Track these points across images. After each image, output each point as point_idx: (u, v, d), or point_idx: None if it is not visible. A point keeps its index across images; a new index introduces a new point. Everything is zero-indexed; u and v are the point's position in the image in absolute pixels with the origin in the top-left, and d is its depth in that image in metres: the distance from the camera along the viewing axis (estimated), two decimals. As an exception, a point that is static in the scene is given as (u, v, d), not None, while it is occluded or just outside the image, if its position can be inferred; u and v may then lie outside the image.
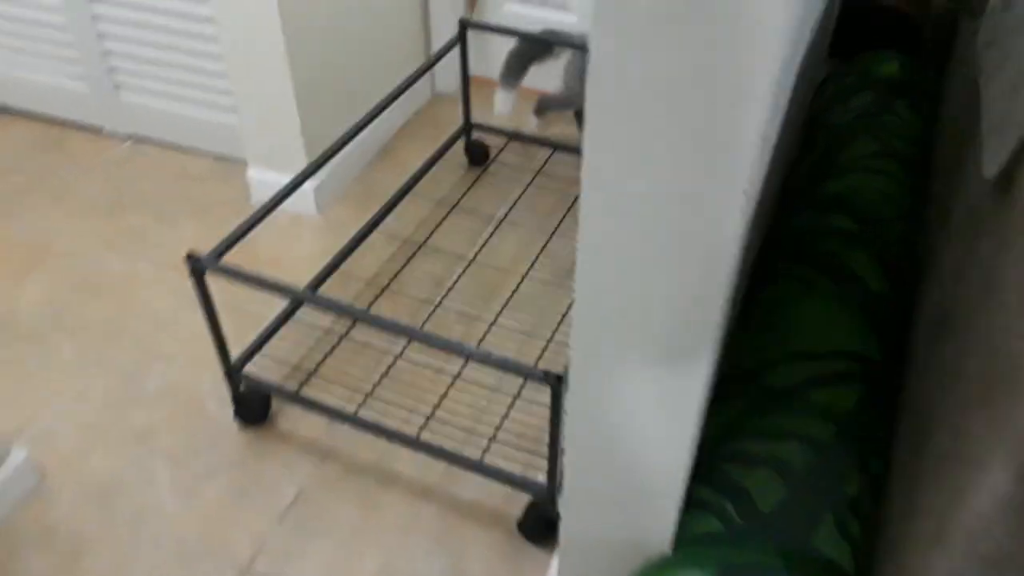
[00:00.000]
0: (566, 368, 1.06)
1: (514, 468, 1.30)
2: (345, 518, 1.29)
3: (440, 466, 1.34)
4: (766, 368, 1.16)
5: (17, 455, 1.29)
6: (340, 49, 1.82)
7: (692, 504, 1.00)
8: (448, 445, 1.34)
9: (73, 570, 1.22)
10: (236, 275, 1.24)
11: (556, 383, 1.00)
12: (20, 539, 1.26)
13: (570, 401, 0.89)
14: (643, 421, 0.85)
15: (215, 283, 1.27)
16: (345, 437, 1.40)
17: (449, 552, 1.24)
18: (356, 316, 1.38)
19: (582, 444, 0.93)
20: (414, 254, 1.72)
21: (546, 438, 1.22)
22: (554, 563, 1.14)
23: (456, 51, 1.77)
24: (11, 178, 1.97)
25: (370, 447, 1.38)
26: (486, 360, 1.07)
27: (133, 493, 1.32)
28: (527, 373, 1.04)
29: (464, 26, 1.77)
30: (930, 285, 1.14)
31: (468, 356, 1.10)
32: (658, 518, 0.94)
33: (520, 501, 1.27)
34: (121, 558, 1.24)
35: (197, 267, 1.22)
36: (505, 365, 1.04)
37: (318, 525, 1.28)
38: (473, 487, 1.31)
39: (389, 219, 1.72)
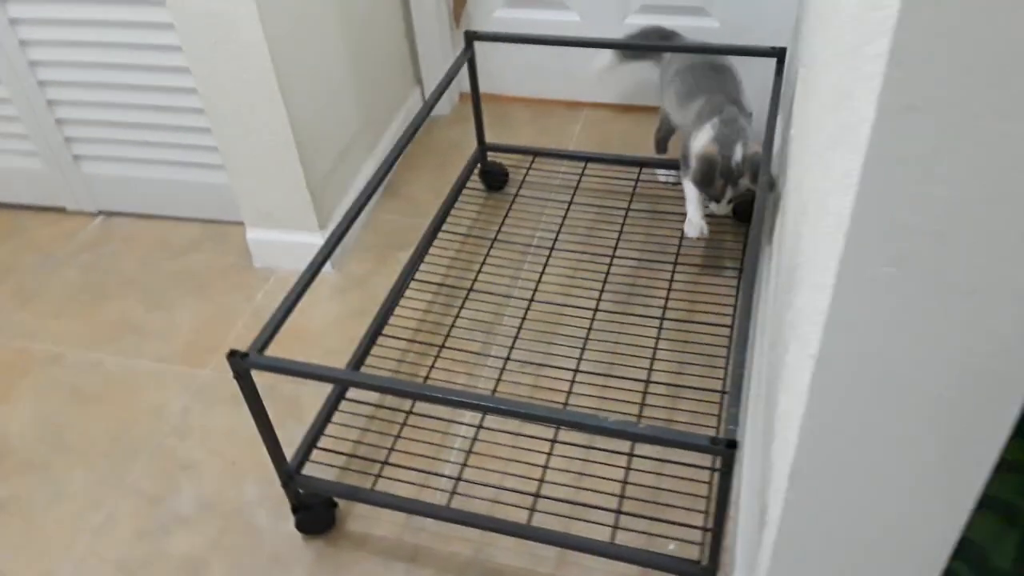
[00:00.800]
0: (729, 431, 0.88)
1: (642, 542, 1.12)
2: (454, 632, 1.09)
3: (551, 552, 1.15)
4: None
5: (48, 625, 1.06)
6: (331, 85, 1.61)
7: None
8: (557, 526, 1.15)
9: None
10: (287, 369, 1.03)
11: (728, 451, 0.82)
12: None
13: (794, 481, 0.71)
14: (897, 508, 0.67)
15: (213, 354, 1.05)
16: (431, 531, 1.20)
17: (588, 655, 1.05)
18: (421, 396, 1.18)
19: (803, 528, 0.74)
20: (456, 302, 1.52)
21: (672, 500, 1.04)
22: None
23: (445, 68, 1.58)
24: (-30, 278, 1.72)
25: (462, 539, 1.18)
26: (637, 435, 0.88)
27: (194, 643, 1.10)
28: (691, 444, 0.85)
29: (470, 38, 1.58)
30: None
31: (625, 434, 0.90)
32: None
33: (658, 580, 1.08)
34: None
35: (242, 366, 1.00)
36: (664, 438, 0.85)
37: (425, 647, 1.08)
38: (599, 574, 1.12)
39: (417, 265, 1.52)
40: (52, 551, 1.22)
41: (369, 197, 1.28)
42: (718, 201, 1.41)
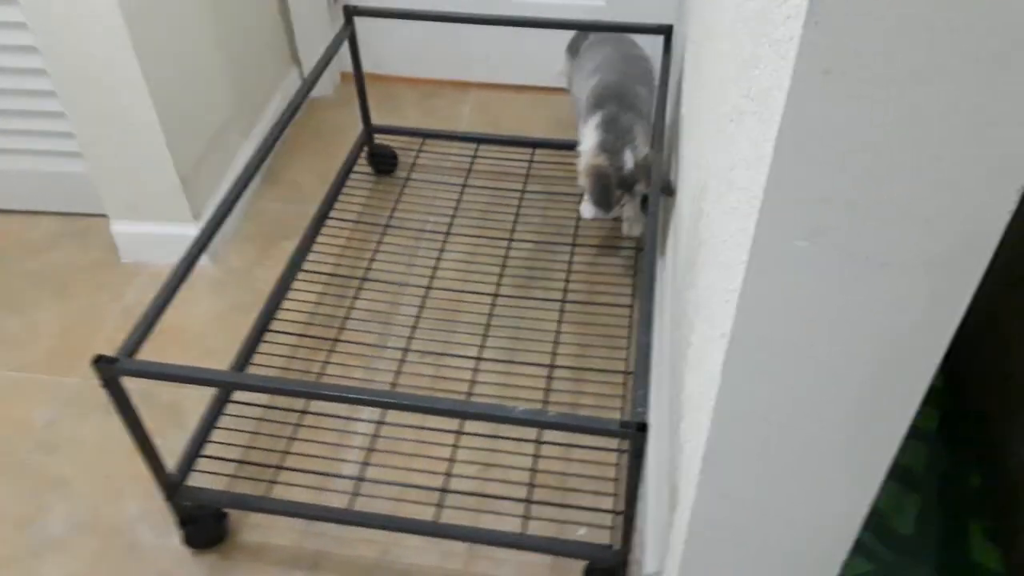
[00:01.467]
0: (638, 415, 0.86)
1: (553, 530, 1.10)
2: (362, 639, 1.03)
3: (460, 547, 1.11)
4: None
5: None
6: (198, 62, 1.50)
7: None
8: (466, 520, 1.11)
9: None
10: (163, 374, 0.94)
11: (639, 435, 0.80)
12: None
13: (708, 461, 0.69)
14: (813, 481, 0.67)
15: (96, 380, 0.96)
16: (332, 535, 1.13)
17: (503, 650, 1.02)
18: (318, 395, 1.11)
19: (717, 507, 0.73)
20: (348, 292, 1.45)
21: (581, 485, 1.03)
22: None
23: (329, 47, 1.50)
24: None
25: (366, 540, 1.13)
26: (547, 423, 0.85)
27: None
28: (601, 430, 0.83)
29: (350, 14, 1.50)
30: None
31: (535, 423, 0.87)
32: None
33: (572, 570, 1.06)
34: None
35: (111, 372, 0.91)
36: (574, 425, 0.83)
37: (331, 658, 1.02)
38: (509, 565, 1.09)
39: (303, 254, 1.44)
40: (-102, 591, 1.08)
41: (247, 183, 1.19)
42: (608, 209, 1.31)
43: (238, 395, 1.23)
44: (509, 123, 1.86)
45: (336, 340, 1.36)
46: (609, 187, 1.28)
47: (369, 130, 1.66)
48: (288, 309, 1.38)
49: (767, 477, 0.67)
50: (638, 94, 1.39)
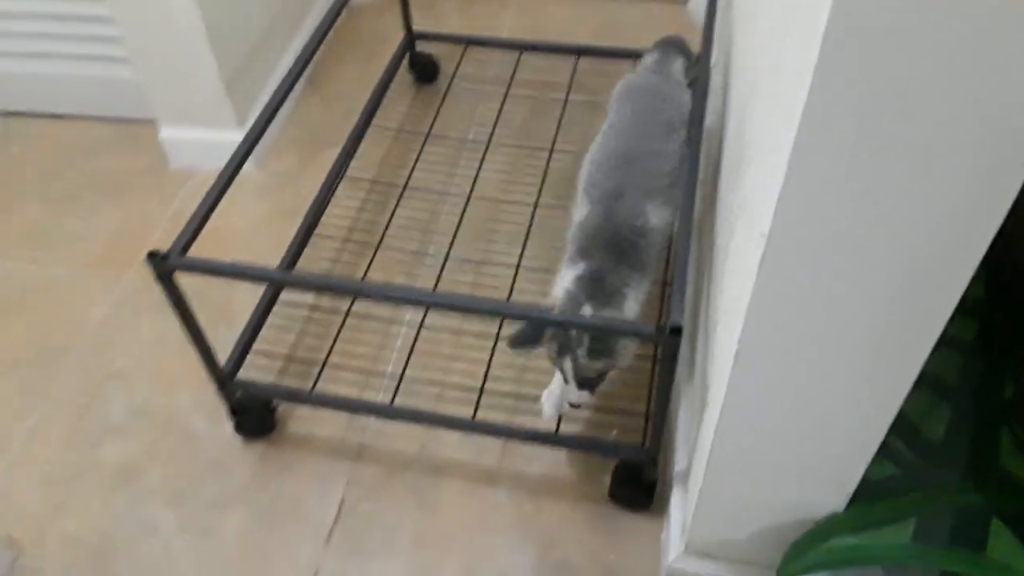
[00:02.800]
0: (673, 319, 0.86)
1: (585, 431, 1.13)
2: (403, 526, 1.09)
3: (495, 444, 1.15)
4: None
5: (-21, 539, 1.03)
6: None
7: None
8: (501, 419, 1.15)
9: (88, 661, 0.99)
10: (213, 269, 0.98)
11: (672, 338, 0.82)
12: (8, 638, 1.01)
13: (740, 353, 0.71)
14: (842, 383, 0.68)
15: (132, 259, 1.00)
16: (374, 429, 1.19)
17: (535, 541, 1.07)
18: (360, 292, 1.15)
19: (746, 401, 0.75)
20: (390, 200, 1.47)
21: (615, 388, 1.05)
22: (669, 530, 0.99)
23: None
24: None
25: (406, 436, 1.18)
26: (584, 324, 0.87)
27: (134, 548, 1.08)
28: (637, 332, 0.85)
29: (394, -83, 1.47)
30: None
31: (571, 324, 0.89)
32: (840, 475, 0.79)
33: (600, 468, 1.10)
34: (145, 633, 1.01)
35: (164, 268, 0.95)
36: (611, 328, 0.85)
37: (374, 540, 1.08)
38: (541, 462, 1.14)
39: (347, 161, 1.46)
40: (-24, 467, 1.17)
41: (290, 88, 1.20)
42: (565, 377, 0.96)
43: (285, 295, 1.27)
44: (553, 29, 1.82)
45: (378, 246, 1.39)
46: (535, 341, 0.94)
47: (410, 37, 1.65)
48: (332, 215, 1.41)
49: (797, 376, 0.69)
50: (640, 232, 0.98)
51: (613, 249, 0.96)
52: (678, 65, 1.23)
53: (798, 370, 0.68)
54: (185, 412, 1.22)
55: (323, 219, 1.38)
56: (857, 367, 0.66)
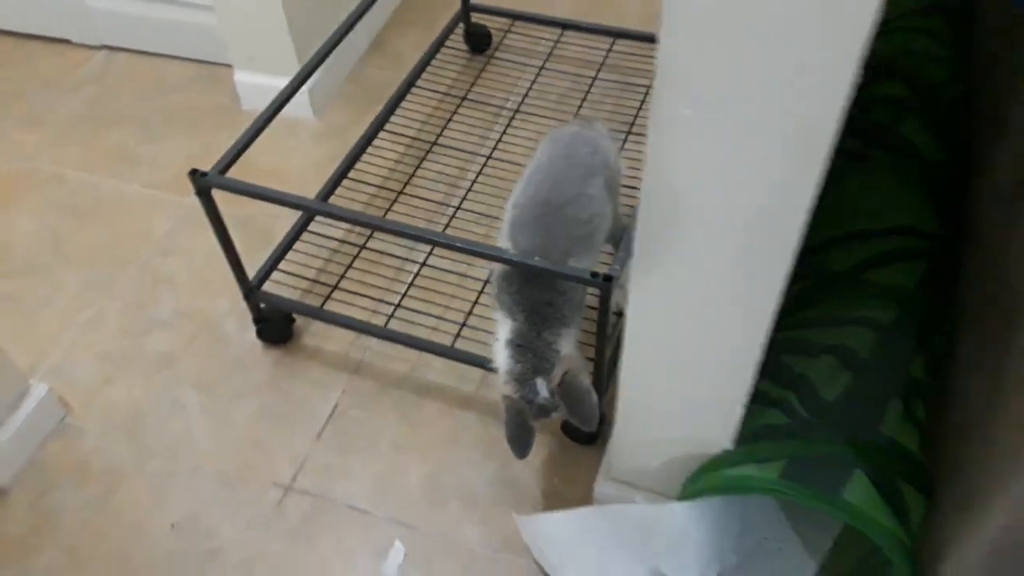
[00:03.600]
0: (615, 269, 1.00)
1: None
2: (384, 433, 1.26)
3: (476, 373, 1.30)
4: (820, 252, 1.11)
5: (38, 390, 1.24)
6: (322, -68, 1.66)
7: (756, 399, 0.96)
8: (482, 351, 1.30)
9: (112, 507, 1.20)
10: (244, 190, 1.15)
11: (606, 284, 0.94)
12: (52, 476, 1.23)
13: (633, 303, 0.84)
14: (713, 322, 0.80)
15: (218, 197, 1.18)
16: (374, 350, 1.35)
17: (495, 460, 1.21)
18: (374, 226, 1.31)
19: (643, 346, 0.88)
20: (425, 155, 1.62)
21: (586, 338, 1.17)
22: (604, 462, 1.12)
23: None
24: (-21, 100, 1.84)
25: (401, 359, 1.34)
26: (533, 265, 1.01)
27: (162, 422, 1.28)
28: (574, 277, 0.98)
29: None
30: (996, 149, 1.07)
31: (506, 261, 1.04)
32: (723, 416, 0.91)
33: (563, 403, 1.23)
34: (159, 488, 1.21)
35: (203, 184, 1.13)
36: (558, 271, 0.98)
37: (358, 441, 1.25)
38: (512, 392, 1.28)
39: (393, 118, 1.62)
40: (45, 342, 1.39)
41: (341, 38, 1.37)
42: (522, 452, 1.01)
43: (318, 228, 1.45)
44: (606, 7, 1.93)
45: (401, 192, 1.55)
46: (523, 425, 1.00)
47: (466, 8, 1.79)
48: (369, 163, 1.57)
49: (678, 319, 0.81)
50: (561, 290, 1.04)
51: (537, 310, 1.02)
52: (599, 125, 1.24)
53: (679, 312, 0.80)
54: (220, 317, 1.41)
55: (360, 166, 1.55)
56: (725, 297, 0.77)
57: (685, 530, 0.97)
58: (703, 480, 0.94)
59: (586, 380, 0.98)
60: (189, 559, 1.14)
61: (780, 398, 0.95)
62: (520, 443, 1.01)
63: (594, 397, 0.97)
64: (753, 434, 0.93)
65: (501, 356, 1.04)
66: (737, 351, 0.81)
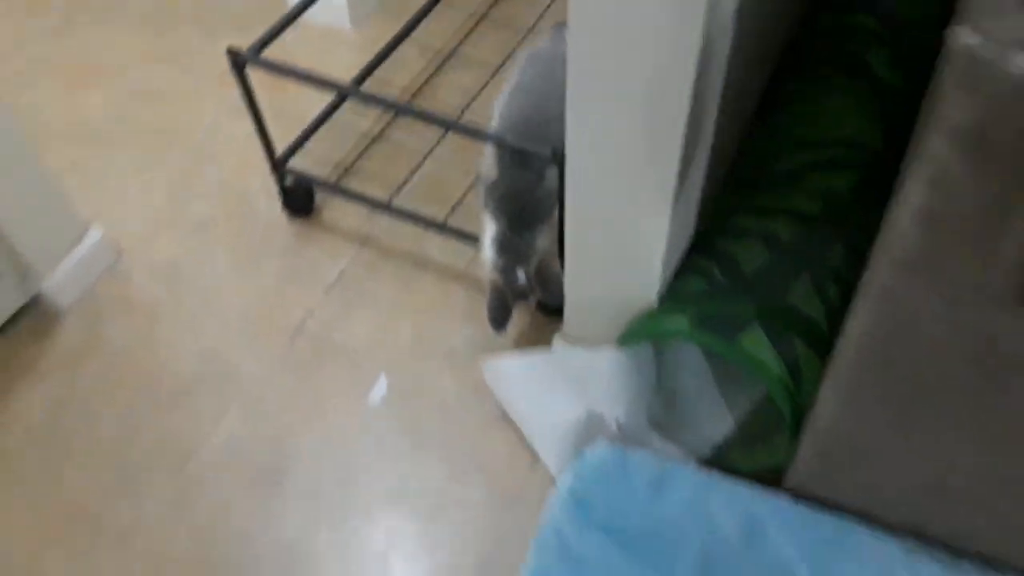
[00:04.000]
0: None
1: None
2: (383, 295, 1.45)
3: (468, 252, 1.48)
4: (773, 156, 1.24)
5: (95, 233, 1.46)
6: None
7: (684, 269, 1.12)
8: (472, 229, 1.47)
9: (151, 335, 1.42)
10: (276, 68, 1.34)
11: (560, 160, 1.10)
12: (103, 308, 1.45)
13: (568, 176, 1.00)
14: (630, 192, 0.96)
15: (258, 87, 1.37)
16: (383, 228, 1.54)
17: (476, 323, 1.39)
18: (396, 109, 1.48)
19: (580, 215, 1.04)
20: (443, 63, 1.79)
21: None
22: (562, 326, 1.29)
23: None
24: (57, 1, 2.06)
25: (405, 236, 1.52)
26: (500, 142, 1.18)
27: (197, 272, 1.50)
28: (534, 152, 1.15)
29: None
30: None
31: (490, 139, 1.20)
32: (646, 277, 1.07)
33: (538, 281, 1.41)
34: (192, 324, 1.43)
35: (238, 60, 1.32)
36: (513, 145, 1.15)
37: (359, 300, 1.44)
38: (497, 270, 1.45)
39: (422, 31, 1.78)
40: (105, 199, 1.61)
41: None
42: (500, 327, 1.28)
43: (347, 118, 1.62)
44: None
45: (416, 92, 1.72)
46: (503, 306, 1.26)
47: (498, -65, 1.93)
48: (391, 70, 1.74)
49: (602, 180, 0.97)
50: (541, 187, 1.22)
51: (517, 213, 1.21)
52: None
53: (603, 182, 0.96)
54: (254, 191, 1.62)
55: (388, 73, 1.72)
56: (635, 138, 0.91)
57: (615, 374, 1.13)
58: (629, 331, 1.10)
59: (556, 266, 1.18)
60: (210, 380, 1.36)
61: (704, 268, 1.10)
62: (499, 321, 1.26)
63: (562, 279, 1.16)
64: (676, 295, 1.09)
65: (488, 250, 1.25)
66: (648, 214, 0.96)
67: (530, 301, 1.31)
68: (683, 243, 1.12)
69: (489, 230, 1.25)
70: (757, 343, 1.00)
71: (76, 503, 1.23)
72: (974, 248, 0.64)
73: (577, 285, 1.16)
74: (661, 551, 0.98)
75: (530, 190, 1.22)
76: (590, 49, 0.85)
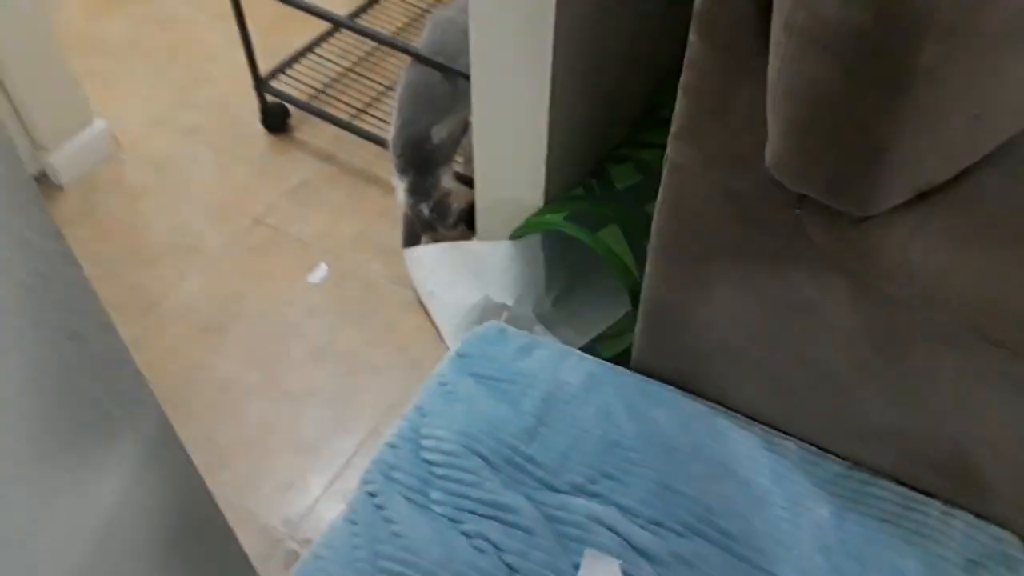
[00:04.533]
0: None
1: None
2: (335, 201, 1.69)
3: (413, 172, 1.71)
4: (660, 105, 1.48)
5: (100, 123, 1.71)
6: None
7: (574, 185, 1.36)
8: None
9: (135, 210, 1.66)
10: (265, -6, 1.58)
11: (465, 82, 1.34)
12: (98, 186, 1.70)
13: (474, 101, 1.23)
14: (514, 110, 1.19)
15: (249, 15, 1.61)
16: (344, 149, 1.78)
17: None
18: (370, 37, 1.72)
19: (483, 134, 1.28)
20: (420, 16, 2.04)
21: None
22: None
23: None
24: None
25: (362, 157, 1.76)
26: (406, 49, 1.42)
27: (182, 166, 1.74)
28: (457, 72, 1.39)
29: None
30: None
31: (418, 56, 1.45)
32: (534, 182, 1.30)
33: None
34: (170, 205, 1.67)
35: (235, -17, 1.57)
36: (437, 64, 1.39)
37: (314, 203, 1.68)
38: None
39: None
40: (112, 102, 1.86)
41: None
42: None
43: (334, 42, 1.86)
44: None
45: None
46: (414, 233, 1.56)
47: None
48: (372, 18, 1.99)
49: (495, 99, 1.20)
50: (441, 126, 1.48)
51: (419, 165, 1.49)
52: None
53: (497, 101, 1.19)
54: (240, 109, 1.86)
55: (367, 20, 1.97)
56: (518, 88, 1.15)
57: (508, 267, 1.36)
58: (519, 226, 1.33)
59: (453, 202, 1.49)
60: (179, 250, 1.60)
61: (588, 184, 1.34)
62: (409, 244, 1.54)
63: (455, 209, 1.48)
64: (560, 200, 1.32)
65: (401, 196, 1.51)
66: (530, 131, 1.19)
67: (437, 229, 1.55)
68: (574, 162, 1.35)
69: (400, 184, 1.51)
70: (613, 237, 1.23)
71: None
72: (718, 116, 0.86)
73: (484, 192, 1.39)
74: (513, 392, 1.20)
75: (424, 144, 1.48)
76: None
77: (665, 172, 0.97)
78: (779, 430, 1.15)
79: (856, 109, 0.72)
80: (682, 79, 0.87)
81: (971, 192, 0.79)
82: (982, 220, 0.81)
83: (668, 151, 0.95)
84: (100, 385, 0.64)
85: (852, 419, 1.03)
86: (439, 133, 1.48)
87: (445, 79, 1.47)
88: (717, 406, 1.17)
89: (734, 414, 1.17)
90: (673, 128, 0.91)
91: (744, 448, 1.08)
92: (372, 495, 1.01)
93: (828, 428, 1.08)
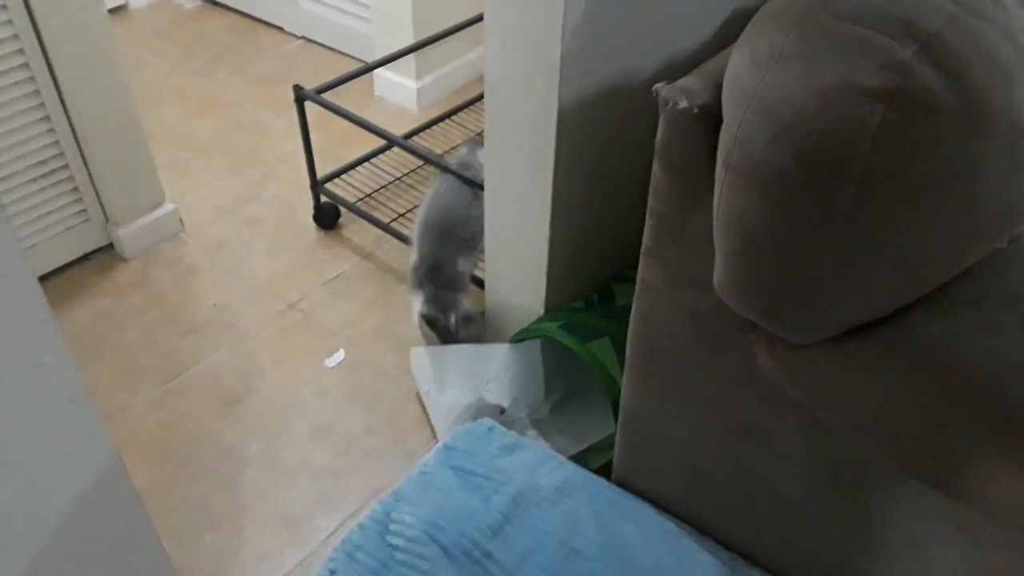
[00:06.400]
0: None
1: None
2: (366, 295, 1.80)
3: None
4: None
5: (169, 206, 1.90)
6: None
7: (578, 300, 1.43)
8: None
9: (186, 285, 1.81)
10: (328, 105, 1.77)
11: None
12: (159, 261, 1.87)
13: (487, 222, 1.35)
14: (518, 225, 1.30)
15: (324, 129, 1.80)
16: (383, 250, 1.91)
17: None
18: (420, 157, 1.88)
19: (495, 247, 1.38)
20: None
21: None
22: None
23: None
24: (208, 51, 2.63)
25: (398, 258, 1.89)
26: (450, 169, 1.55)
27: (235, 252, 1.90)
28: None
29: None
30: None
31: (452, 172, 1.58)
32: (535, 290, 1.38)
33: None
34: (216, 282, 1.82)
35: (300, 95, 1.76)
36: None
37: (347, 294, 1.80)
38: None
39: (466, 117, 2.21)
40: (186, 190, 2.06)
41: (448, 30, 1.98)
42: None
43: (390, 155, 2.03)
44: None
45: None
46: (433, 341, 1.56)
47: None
48: (429, 138, 2.17)
49: (505, 203, 1.30)
50: (455, 262, 1.59)
51: (438, 281, 1.58)
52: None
53: (505, 204, 1.30)
54: (298, 206, 2.03)
55: (425, 140, 2.15)
56: (524, 198, 1.25)
57: (505, 366, 1.42)
58: (518, 332, 1.41)
59: (472, 328, 1.53)
60: (216, 324, 1.72)
61: (590, 299, 1.41)
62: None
63: (474, 329, 1.52)
64: (560, 311, 1.39)
65: (415, 316, 1.57)
66: (534, 234, 1.29)
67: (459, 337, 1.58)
68: (576, 277, 1.43)
69: (416, 305, 1.57)
70: (603, 349, 1.29)
71: (87, 387, 1.59)
72: (678, 239, 0.93)
73: (491, 295, 1.48)
74: (487, 488, 1.24)
75: (445, 269, 1.58)
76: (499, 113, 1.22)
77: (637, 289, 1.04)
78: (747, 558, 1.15)
79: (783, 243, 0.77)
80: (648, 204, 0.95)
81: (903, 330, 0.82)
82: (914, 358, 0.83)
83: (639, 269, 1.02)
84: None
85: (815, 552, 1.02)
86: (464, 264, 1.60)
87: (470, 219, 1.60)
88: (688, 527, 1.18)
89: (704, 537, 1.17)
90: (643, 247, 0.99)
91: (704, 574, 1.08)
92: (332, 572, 1.06)
93: (793, 561, 1.08)
